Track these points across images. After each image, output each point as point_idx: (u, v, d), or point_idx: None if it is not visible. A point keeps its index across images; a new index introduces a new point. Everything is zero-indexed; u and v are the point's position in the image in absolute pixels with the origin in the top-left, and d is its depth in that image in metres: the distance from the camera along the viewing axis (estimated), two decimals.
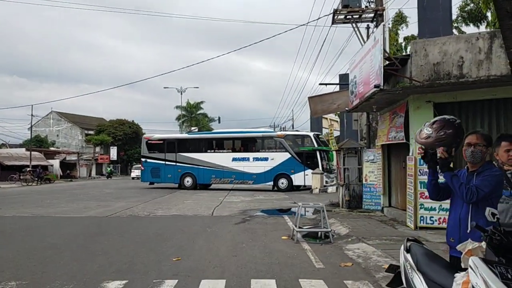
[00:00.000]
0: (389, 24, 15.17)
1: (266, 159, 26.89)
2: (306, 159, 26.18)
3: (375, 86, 9.53)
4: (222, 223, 12.30)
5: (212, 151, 28.55)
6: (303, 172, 26.10)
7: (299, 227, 9.51)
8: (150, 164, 29.54)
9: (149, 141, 30.31)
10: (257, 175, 26.92)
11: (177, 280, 6.09)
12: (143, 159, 30.31)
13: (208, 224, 11.95)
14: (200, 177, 28.21)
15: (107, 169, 57.65)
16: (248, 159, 27.39)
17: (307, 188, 25.96)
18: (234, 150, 28.41)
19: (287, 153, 26.52)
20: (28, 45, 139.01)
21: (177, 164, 28.67)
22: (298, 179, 26.28)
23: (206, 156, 28.29)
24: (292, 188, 26.25)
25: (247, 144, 28.68)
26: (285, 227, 11.50)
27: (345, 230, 10.28)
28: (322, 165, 25.73)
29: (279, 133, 30.12)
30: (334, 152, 29.18)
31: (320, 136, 28.80)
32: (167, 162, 29.01)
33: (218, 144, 29.09)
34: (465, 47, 9.67)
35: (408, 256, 3.65)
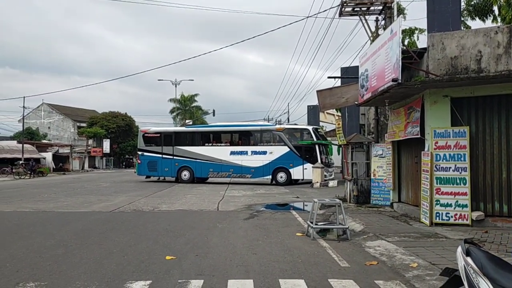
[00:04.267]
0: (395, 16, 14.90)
1: (264, 152, 26.63)
2: (305, 153, 25.95)
3: (393, 80, 9.33)
4: (230, 218, 12.09)
5: (210, 144, 28.25)
6: (301, 166, 25.89)
7: (315, 224, 9.29)
8: (147, 157, 29.25)
9: (145, 134, 29.96)
10: (255, 168, 26.67)
11: (202, 281, 5.87)
12: (139, 153, 29.98)
13: (217, 220, 11.73)
14: (198, 171, 27.94)
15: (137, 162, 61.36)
16: (246, 152, 27.11)
17: (305, 182, 25.80)
18: (232, 144, 28.09)
19: (285, 147, 26.27)
20: (19, 35, 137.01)
21: (174, 157, 28.38)
22: (296, 173, 26.06)
23: (204, 150, 28.00)
24: (290, 182, 26.04)
25: (246, 137, 28.36)
26: (296, 223, 11.33)
27: (359, 226, 10.11)
28: (321, 159, 25.54)
29: (278, 126, 29.83)
30: (333, 146, 29.30)
31: (319, 130, 28.60)
32: (164, 156, 28.70)
33: (216, 138, 28.79)
34: (483, 41, 9.49)
35: (469, 259, 3.48)
